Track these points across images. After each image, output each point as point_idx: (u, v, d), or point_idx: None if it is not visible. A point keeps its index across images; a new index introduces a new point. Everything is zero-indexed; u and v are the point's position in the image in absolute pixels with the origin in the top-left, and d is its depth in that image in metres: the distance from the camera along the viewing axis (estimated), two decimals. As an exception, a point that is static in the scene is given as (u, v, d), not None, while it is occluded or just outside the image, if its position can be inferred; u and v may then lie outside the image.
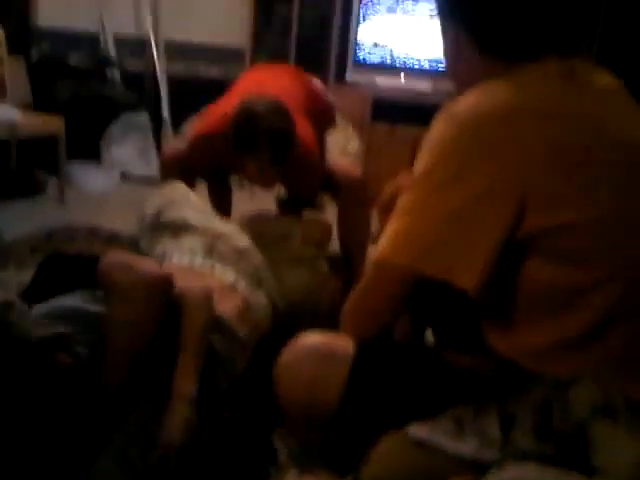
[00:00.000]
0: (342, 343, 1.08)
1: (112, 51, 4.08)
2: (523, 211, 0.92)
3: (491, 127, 0.94)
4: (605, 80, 1.05)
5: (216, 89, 3.97)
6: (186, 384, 1.41)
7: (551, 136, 0.93)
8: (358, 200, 2.33)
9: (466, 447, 0.96)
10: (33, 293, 1.56)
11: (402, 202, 1.00)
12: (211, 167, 2.34)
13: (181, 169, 2.24)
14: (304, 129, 2.14)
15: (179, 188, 2.07)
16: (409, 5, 3.83)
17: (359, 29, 3.88)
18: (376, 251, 1.02)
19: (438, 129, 0.98)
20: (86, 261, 1.54)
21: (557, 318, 0.97)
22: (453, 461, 0.96)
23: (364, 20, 3.87)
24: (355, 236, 2.37)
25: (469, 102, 0.97)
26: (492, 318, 1.04)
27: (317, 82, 2.51)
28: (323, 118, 2.40)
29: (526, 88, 0.97)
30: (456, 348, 1.11)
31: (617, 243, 0.95)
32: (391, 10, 3.86)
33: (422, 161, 0.98)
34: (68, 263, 1.62)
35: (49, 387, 1.34)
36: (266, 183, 2.18)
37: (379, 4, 3.86)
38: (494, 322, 1.03)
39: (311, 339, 1.13)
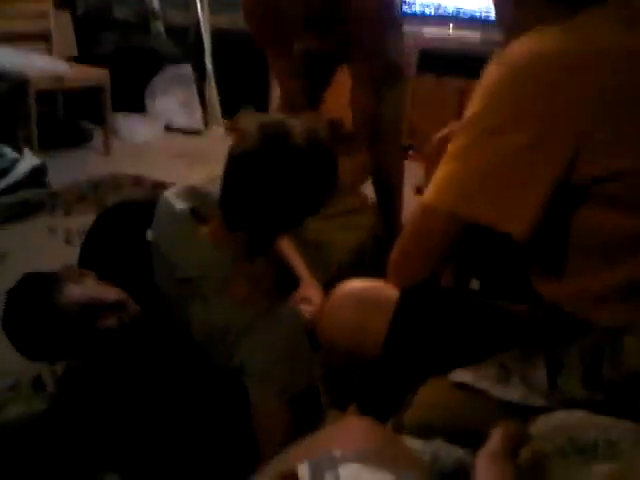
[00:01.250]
0: (386, 289, 1.07)
1: (156, 3, 4.06)
2: (576, 157, 0.89)
3: (546, 71, 0.90)
4: None
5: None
6: None
7: (608, 83, 0.89)
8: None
9: (511, 392, 0.95)
10: (94, 242, 1.54)
11: (451, 147, 0.97)
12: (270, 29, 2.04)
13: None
14: None
15: None
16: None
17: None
18: (424, 196, 1.00)
19: (491, 72, 0.95)
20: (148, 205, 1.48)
21: (612, 265, 0.94)
22: (498, 406, 0.95)
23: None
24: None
25: (524, 46, 0.94)
26: (542, 265, 1.01)
27: None
28: None
29: (585, 33, 0.93)
30: (502, 296, 1.09)
31: None
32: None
33: (473, 105, 0.95)
34: (130, 209, 1.56)
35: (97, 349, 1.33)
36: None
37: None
38: (544, 269, 1.01)
39: (354, 285, 1.13)
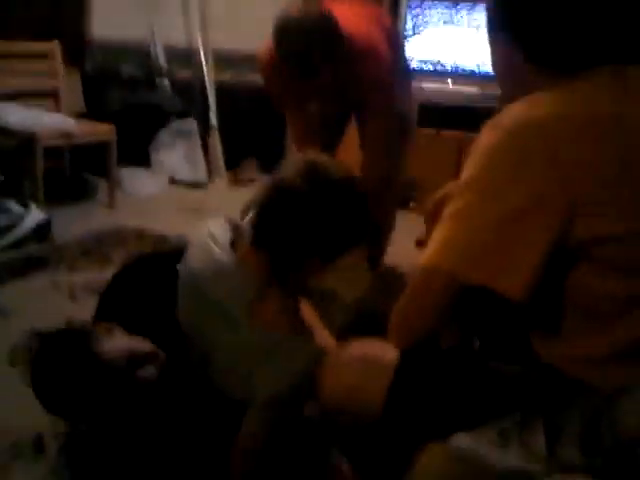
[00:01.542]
0: (386, 349, 1.08)
1: (162, 61, 4.17)
2: (572, 220, 0.91)
3: (539, 137, 0.93)
4: None
5: (263, 95, 4.05)
6: None
7: (601, 146, 0.92)
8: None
9: (510, 459, 0.94)
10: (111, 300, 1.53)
11: (449, 209, 0.99)
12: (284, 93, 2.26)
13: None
14: (366, 29, 2.09)
15: None
16: (456, 17, 3.82)
17: (408, 39, 3.88)
18: (423, 257, 1.01)
19: (485, 137, 0.97)
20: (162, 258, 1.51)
21: (608, 327, 0.95)
22: (497, 473, 0.94)
23: (413, 33, 3.86)
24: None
25: (517, 112, 0.96)
26: (540, 326, 1.02)
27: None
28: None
29: (576, 99, 0.96)
30: (503, 356, 1.09)
31: None
32: (439, 23, 3.86)
33: (469, 169, 0.98)
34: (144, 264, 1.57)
35: (136, 403, 1.32)
36: (326, 94, 2.14)
37: (430, 15, 3.86)
38: (542, 330, 1.02)
39: (355, 346, 1.14)
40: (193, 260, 1.39)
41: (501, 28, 1.07)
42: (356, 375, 1.07)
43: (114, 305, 1.50)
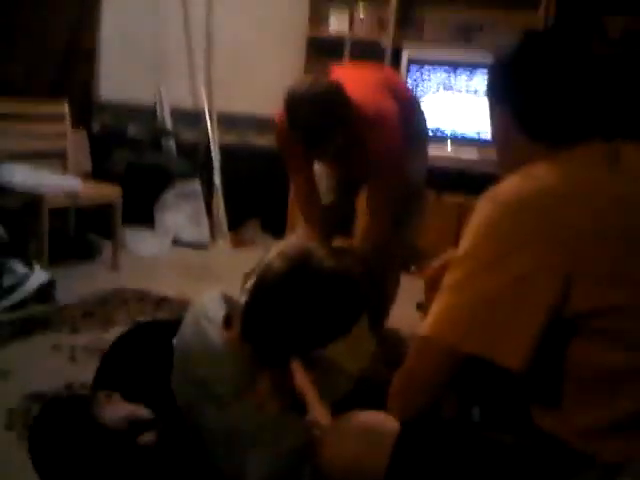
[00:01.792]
0: (387, 421, 1.07)
1: (168, 122, 4.27)
2: (568, 292, 0.92)
3: (533, 211, 0.95)
4: None
5: (265, 157, 4.13)
6: None
7: (596, 220, 0.94)
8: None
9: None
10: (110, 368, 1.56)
11: (448, 280, 1.01)
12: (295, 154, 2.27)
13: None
14: (373, 98, 2.09)
15: None
16: (453, 84, 3.92)
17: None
18: (422, 328, 1.02)
19: (481, 210, 1.00)
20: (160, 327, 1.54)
21: (606, 399, 0.95)
22: None
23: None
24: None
25: (512, 186, 0.99)
26: (540, 396, 1.02)
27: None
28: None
29: (570, 172, 0.98)
30: (503, 427, 1.08)
31: None
32: (439, 88, 3.96)
33: (467, 240, 0.99)
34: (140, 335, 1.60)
35: (136, 469, 1.32)
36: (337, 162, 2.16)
37: (429, 81, 3.96)
38: (542, 402, 1.02)
39: (356, 416, 1.13)
40: (186, 337, 1.41)
41: (498, 100, 1.11)
42: (357, 445, 1.06)
43: (113, 372, 1.51)
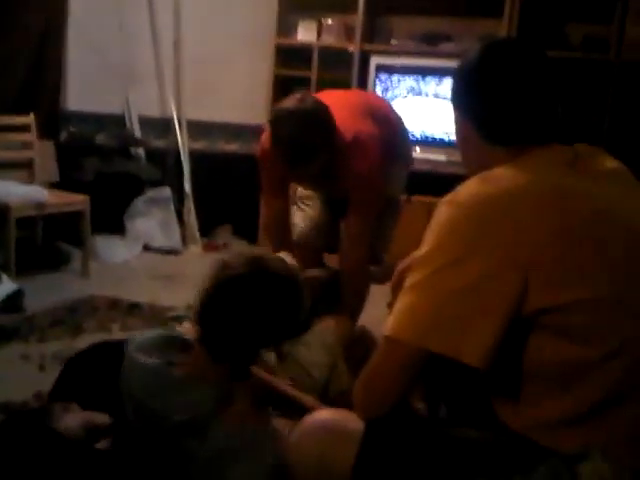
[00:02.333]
0: (352, 420, 1.08)
1: (137, 131, 4.25)
2: (526, 290, 0.94)
3: (492, 212, 0.98)
4: (609, 164, 1.09)
5: (236, 163, 4.13)
6: None
7: (552, 219, 0.97)
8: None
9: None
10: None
11: (409, 280, 1.03)
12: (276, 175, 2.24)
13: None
14: (352, 122, 2.08)
15: None
16: (422, 89, 3.98)
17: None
18: (385, 327, 1.03)
19: (441, 213, 1.02)
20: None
21: (564, 393, 0.97)
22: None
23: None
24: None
25: (470, 188, 1.02)
26: (501, 392, 1.04)
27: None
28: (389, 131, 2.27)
29: (528, 174, 1.01)
30: (469, 422, 1.10)
31: (617, 322, 0.96)
32: (408, 93, 4.01)
33: (427, 242, 1.02)
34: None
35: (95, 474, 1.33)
36: (318, 183, 2.16)
37: (398, 87, 4.01)
38: (503, 396, 1.04)
39: (322, 415, 1.13)
40: (135, 385, 1.38)
41: (460, 105, 1.14)
42: (322, 445, 1.06)
43: (69, 384, 1.54)
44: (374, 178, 2.10)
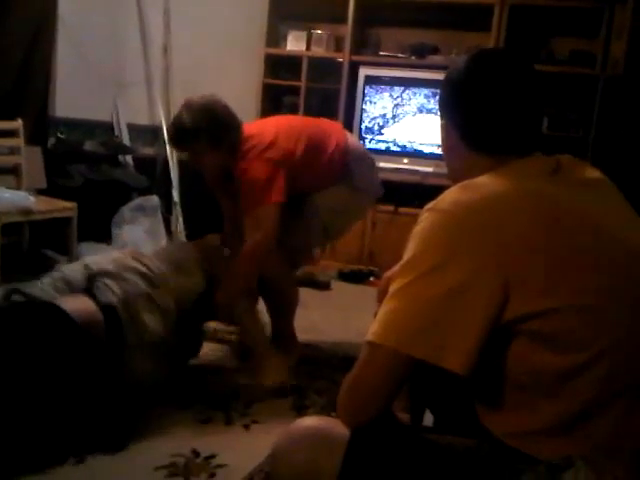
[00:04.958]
0: (337, 427, 1.07)
1: (125, 138, 4.24)
2: (507, 297, 0.95)
3: (472, 218, 0.98)
4: (590, 174, 1.10)
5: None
6: None
7: (533, 226, 0.97)
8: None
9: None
10: None
11: (392, 287, 1.03)
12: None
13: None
14: (271, 135, 2.35)
15: None
16: (409, 100, 4.01)
17: (364, 120, 4.04)
18: (368, 334, 1.03)
19: (423, 220, 1.03)
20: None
21: (546, 401, 0.98)
22: None
23: (367, 113, 4.02)
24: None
25: (452, 196, 1.03)
26: (485, 399, 1.05)
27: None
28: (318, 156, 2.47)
29: (510, 182, 1.02)
30: (454, 430, 1.10)
31: (599, 330, 0.96)
32: (395, 106, 4.04)
33: (409, 250, 1.02)
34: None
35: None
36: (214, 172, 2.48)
37: (382, 99, 4.04)
38: (487, 403, 1.04)
39: (307, 423, 1.12)
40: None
41: (446, 115, 1.16)
42: (307, 453, 1.05)
43: None
44: (255, 188, 2.33)
